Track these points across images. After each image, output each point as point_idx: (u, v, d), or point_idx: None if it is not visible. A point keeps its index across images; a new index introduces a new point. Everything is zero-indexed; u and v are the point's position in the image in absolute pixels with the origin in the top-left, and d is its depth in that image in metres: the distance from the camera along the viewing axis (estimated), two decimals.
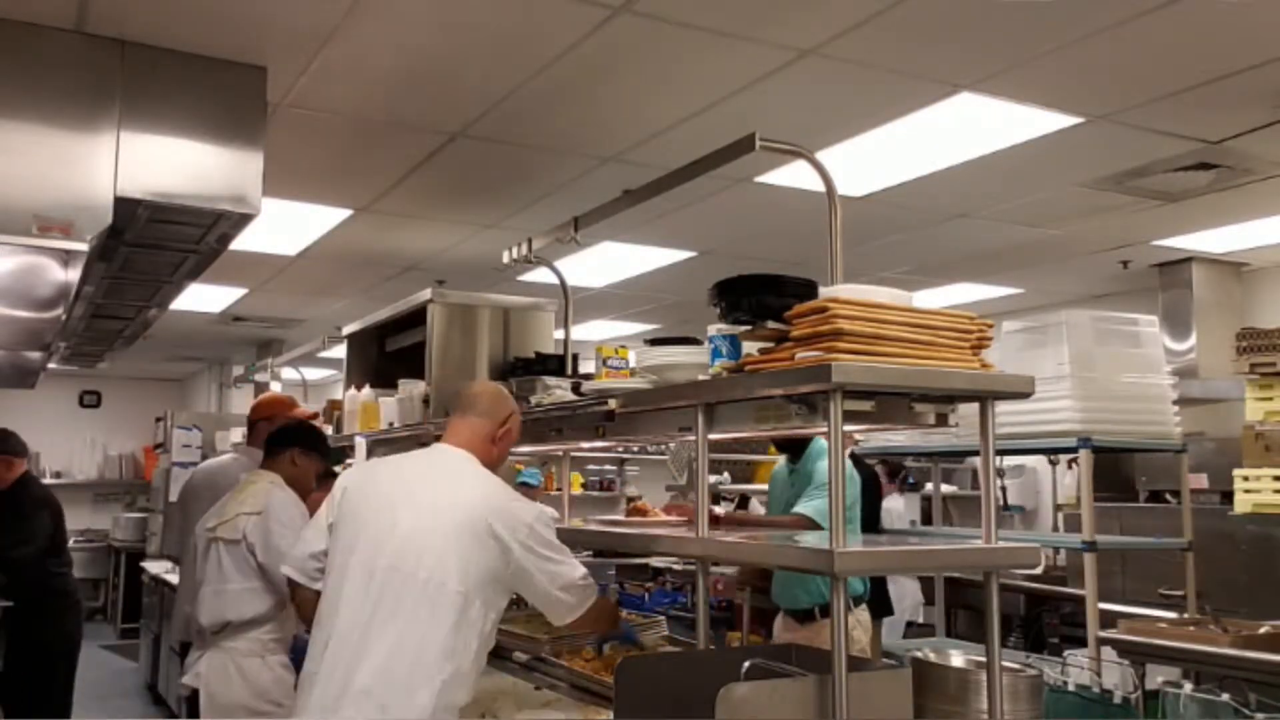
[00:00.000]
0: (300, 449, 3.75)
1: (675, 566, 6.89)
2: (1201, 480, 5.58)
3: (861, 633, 4.02)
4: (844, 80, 3.72)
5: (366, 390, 4.49)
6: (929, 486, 6.47)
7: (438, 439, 2.82)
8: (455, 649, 2.44)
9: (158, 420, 9.78)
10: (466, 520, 2.49)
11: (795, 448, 4.07)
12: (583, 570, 2.61)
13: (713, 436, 2.50)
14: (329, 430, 4.73)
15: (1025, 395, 2.23)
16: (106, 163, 3.28)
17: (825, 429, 2.02)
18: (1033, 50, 3.48)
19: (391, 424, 4.06)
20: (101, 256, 4.00)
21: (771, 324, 2.21)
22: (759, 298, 2.23)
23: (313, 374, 10.19)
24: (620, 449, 9.34)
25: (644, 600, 6.57)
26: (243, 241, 4.10)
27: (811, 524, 3.57)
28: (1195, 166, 4.60)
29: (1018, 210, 5.34)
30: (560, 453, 4.03)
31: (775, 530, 3.49)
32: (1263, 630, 3.81)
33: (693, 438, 2.45)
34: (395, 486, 2.65)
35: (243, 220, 3.63)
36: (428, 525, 2.51)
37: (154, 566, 8.15)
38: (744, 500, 7.60)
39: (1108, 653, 3.94)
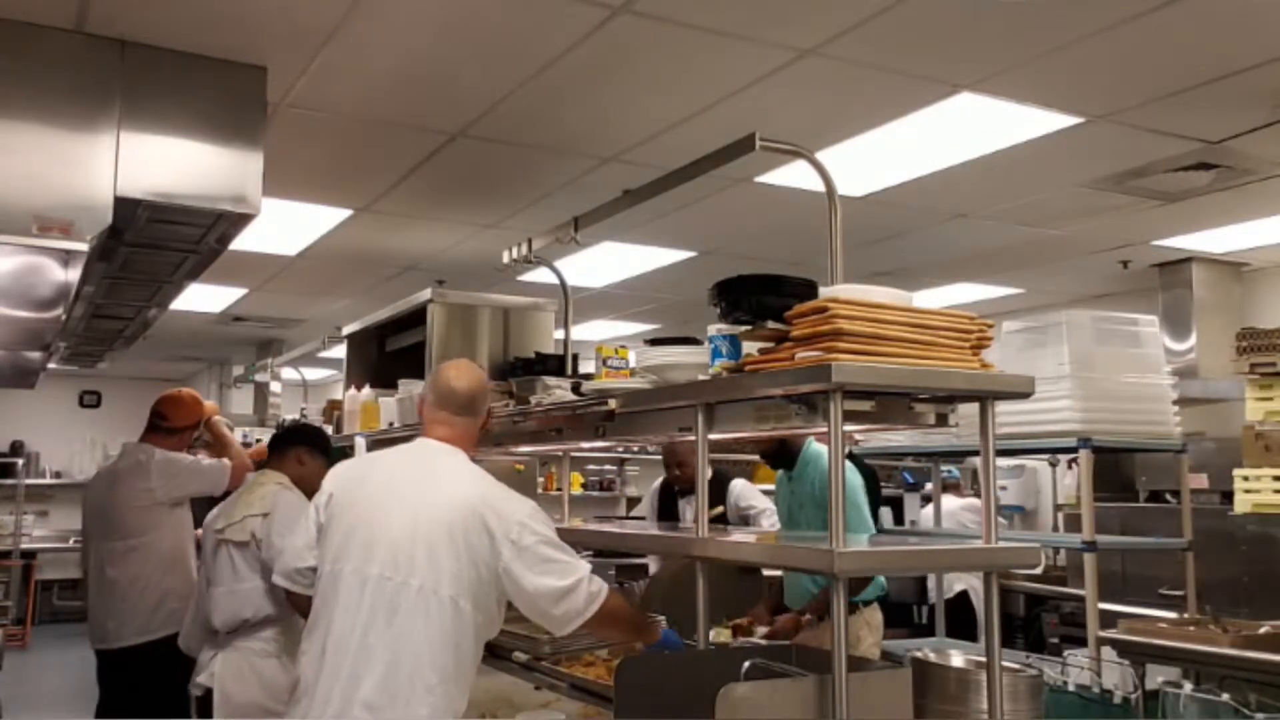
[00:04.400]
0: (307, 449, 3.77)
1: None
2: (1201, 480, 5.58)
3: (869, 633, 4.01)
4: (844, 80, 3.71)
5: (366, 390, 4.49)
6: (929, 486, 6.47)
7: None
8: (452, 657, 2.41)
9: None
10: (459, 517, 2.45)
11: (785, 459, 4.04)
12: (583, 573, 2.48)
13: (713, 436, 2.50)
14: (329, 430, 4.73)
15: (1025, 395, 2.23)
16: (106, 163, 3.28)
17: (825, 429, 2.02)
18: (1033, 50, 3.47)
19: (391, 424, 4.07)
20: (101, 256, 4.00)
21: (771, 324, 2.21)
22: (759, 298, 2.23)
23: (313, 374, 10.20)
24: (620, 449, 9.35)
25: None
26: (243, 241, 4.10)
27: None
28: (1195, 166, 4.59)
29: (1018, 210, 5.34)
30: (560, 453, 4.03)
31: None
32: (1263, 630, 3.82)
33: (693, 438, 2.46)
34: (384, 488, 2.58)
35: (243, 220, 3.63)
36: (419, 528, 2.45)
37: None
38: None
39: (1108, 653, 3.95)
